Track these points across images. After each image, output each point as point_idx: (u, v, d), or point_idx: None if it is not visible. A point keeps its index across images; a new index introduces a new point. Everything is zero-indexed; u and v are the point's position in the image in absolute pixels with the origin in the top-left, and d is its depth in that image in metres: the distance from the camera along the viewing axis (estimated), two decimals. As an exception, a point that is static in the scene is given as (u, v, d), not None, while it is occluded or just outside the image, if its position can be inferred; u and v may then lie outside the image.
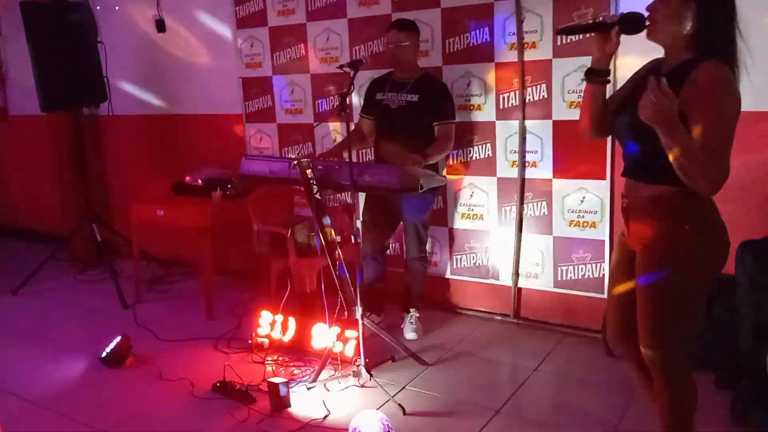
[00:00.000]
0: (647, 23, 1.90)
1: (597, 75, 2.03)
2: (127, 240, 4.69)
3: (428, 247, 3.68)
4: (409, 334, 3.56)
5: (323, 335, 3.23)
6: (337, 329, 3.16)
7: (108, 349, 3.39)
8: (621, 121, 2.02)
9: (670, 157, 1.75)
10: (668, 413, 2.06)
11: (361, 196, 3.65)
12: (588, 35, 2.02)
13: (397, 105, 3.40)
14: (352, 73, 2.98)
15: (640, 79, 2.02)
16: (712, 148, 1.74)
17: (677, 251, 1.92)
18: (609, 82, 2.06)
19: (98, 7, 4.81)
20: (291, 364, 3.28)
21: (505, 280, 3.70)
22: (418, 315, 3.62)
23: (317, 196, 2.99)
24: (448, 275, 3.89)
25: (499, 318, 3.76)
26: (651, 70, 2.00)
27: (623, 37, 1.95)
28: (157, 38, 4.69)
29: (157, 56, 4.77)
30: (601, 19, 1.96)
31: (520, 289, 3.67)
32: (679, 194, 1.86)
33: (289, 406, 2.87)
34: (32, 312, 4.27)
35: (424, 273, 3.65)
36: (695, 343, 2.01)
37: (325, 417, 2.80)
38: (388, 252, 3.80)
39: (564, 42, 3.26)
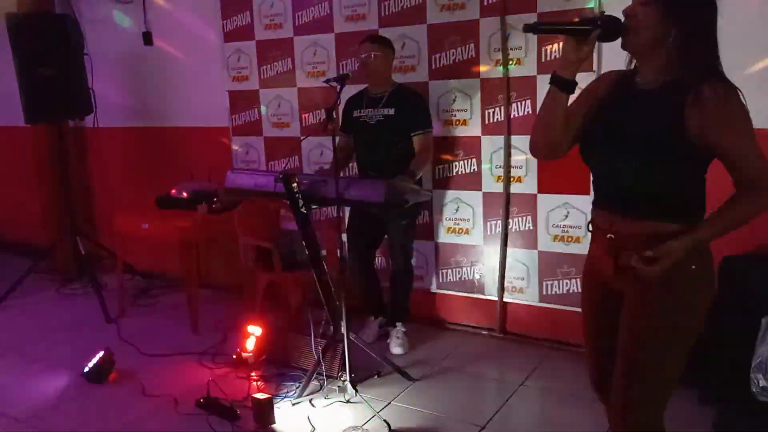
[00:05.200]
0: (623, 31, 1.68)
1: (563, 82, 1.75)
2: (111, 253, 4.65)
3: (413, 261, 3.68)
4: (396, 349, 3.54)
5: (309, 350, 3.22)
6: (322, 344, 3.15)
7: (90, 365, 3.34)
8: (600, 143, 1.80)
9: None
10: None
11: (347, 209, 3.66)
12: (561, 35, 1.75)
13: (375, 120, 3.42)
14: (338, 87, 3.00)
15: (607, 95, 1.82)
16: (763, 181, 1.64)
17: (684, 294, 1.73)
18: (573, 92, 1.78)
19: (84, 19, 4.79)
20: (276, 379, 3.26)
21: (491, 294, 3.70)
22: (404, 329, 3.61)
23: (303, 210, 2.98)
24: (434, 289, 3.89)
25: (485, 332, 3.76)
26: (620, 82, 1.81)
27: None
28: (144, 51, 4.68)
29: (144, 69, 4.76)
30: (577, 20, 1.69)
31: (505, 303, 3.68)
32: (683, 228, 1.67)
33: (274, 422, 2.84)
34: (13, 326, 4.21)
35: (409, 287, 3.65)
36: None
37: (310, 433, 2.78)
38: (375, 265, 3.80)
39: (548, 59, 3.30)
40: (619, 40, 1.72)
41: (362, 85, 3.55)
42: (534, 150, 1.92)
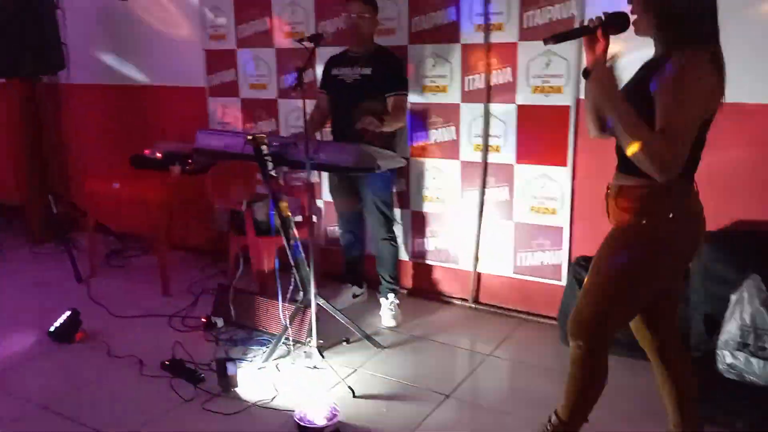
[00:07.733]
0: (631, 19, 1.89)
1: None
2: (84, 213, 4.57)
3: (396, 229, 3.63)
4: (389, 321, 3.47)
5: (278, 315, 3.19)
6: (291, 309, 3.12)
7: (56, 324, 3.30)
8: None
9: (625, 146, 1.78)
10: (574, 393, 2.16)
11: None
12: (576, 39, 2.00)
13: (351, 79, 3.35)
14: (312, 47, 2.91)
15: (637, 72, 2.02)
16: (666, 134, 1.73)
17: (630, 242, 1.97)
18: None
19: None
20: (244, 343, 3.23)
21: (466, 264, 3.67)
22: (397, 302, 3.55)
23: (272, 173, 2.92)
24: (408, 258, 3.85)
25: (458, 302, 3.74)
26: (644, 67, 1.99)
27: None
28: (120, 6, 4.54)
29: (119, 25, 4.62)
30: (585, 22, 1.94)
31: (479, 274, 3.65)
32: (642, 186, 1.89)
33: (237, 386, 2.82)
34: (-18, 285, 4.16)
35: (395, 254, 3.56)
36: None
37: (273, 398, 2.75)
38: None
39: (530, 25, 3.21)
40: None
41: (341, 47, 3.47)
42: (589, 131, 2.17)
